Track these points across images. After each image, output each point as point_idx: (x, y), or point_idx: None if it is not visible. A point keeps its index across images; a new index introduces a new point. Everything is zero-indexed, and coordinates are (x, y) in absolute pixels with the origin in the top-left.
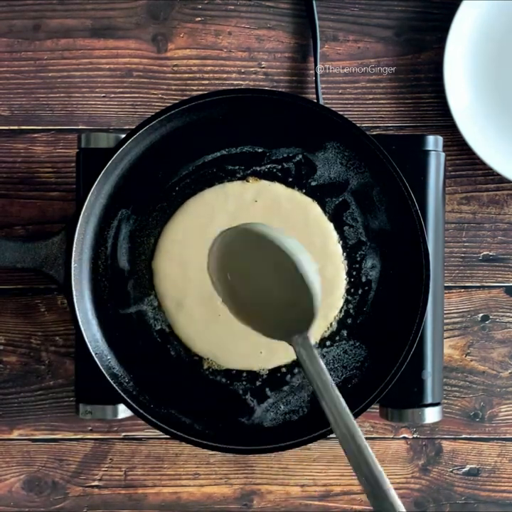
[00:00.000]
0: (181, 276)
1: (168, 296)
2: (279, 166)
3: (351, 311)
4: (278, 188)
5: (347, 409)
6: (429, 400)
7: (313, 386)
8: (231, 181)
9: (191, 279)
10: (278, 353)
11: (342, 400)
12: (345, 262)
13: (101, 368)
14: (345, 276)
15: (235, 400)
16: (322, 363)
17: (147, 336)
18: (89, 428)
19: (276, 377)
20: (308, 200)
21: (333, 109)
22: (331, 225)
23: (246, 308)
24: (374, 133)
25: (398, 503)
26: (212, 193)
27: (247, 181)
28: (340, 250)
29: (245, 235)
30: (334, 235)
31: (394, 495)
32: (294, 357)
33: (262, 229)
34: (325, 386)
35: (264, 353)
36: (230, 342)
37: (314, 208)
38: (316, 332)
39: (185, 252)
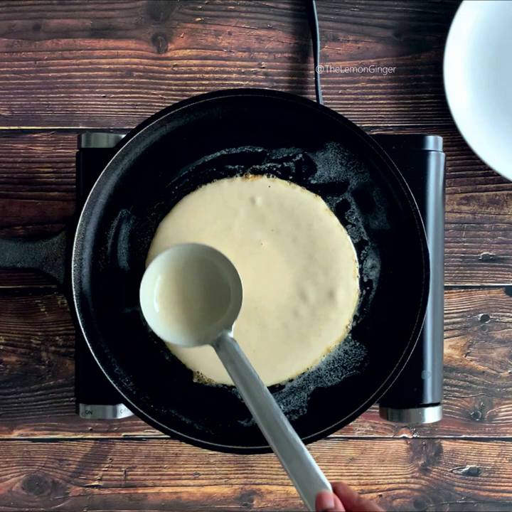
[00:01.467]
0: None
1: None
2: (279, 165)
3: None
4: (279, 184)
5: (274, 404)
6: (429, 400)
7: (237, 383)
8: (231, 178)
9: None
10: (266, 375)
11: (266, 393)
12: (357, 260)
13: (101, 368)
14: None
15: (233, 403)
16: (245, 356)
17: (143, 338)
18: (89, 428)
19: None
20: (311, 195)
21: (333, 109)
22: (336, 220)
23: (169, 320)
24: (374, 133)
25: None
26: (211, 189)
27: (247, 178)
28: (352, 249)
29: (181, 251)
30: (342, 233)
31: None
32: (286, 377)
33: (200, 244)
34: (247, 379)
35: None
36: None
37: (318, 204)
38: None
39: None
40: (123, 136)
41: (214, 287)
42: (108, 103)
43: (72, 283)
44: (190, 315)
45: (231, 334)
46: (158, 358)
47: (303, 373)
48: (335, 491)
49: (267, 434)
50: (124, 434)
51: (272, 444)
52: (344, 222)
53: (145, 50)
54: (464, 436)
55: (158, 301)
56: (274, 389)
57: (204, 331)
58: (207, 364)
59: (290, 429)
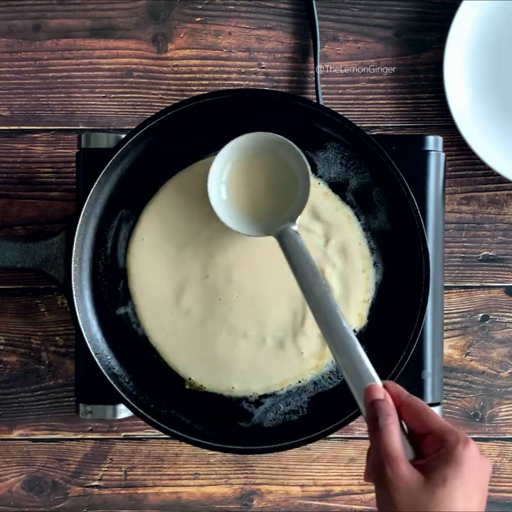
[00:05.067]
0: (154, 270)
1: (138, 298)
2: None
3: None
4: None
5: (331, 299)
6: (429, 400)
7: (296, 276)
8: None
9: (167, 275)
10: (251, 383)
11: (325, 286)
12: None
13: (101, 368)
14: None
15: (231, 406)
16: (307, 250)
17: (136, 341)
18: (89, 428)
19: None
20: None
21: (333, 109)
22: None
23: (235, 208)
24: (374, 133)
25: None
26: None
27: None
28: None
29: (253, 140)
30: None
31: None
32: (286, 384)
33: (269, 133)
34: (306, 271)
35: (236, 387)
36: (208, 364)
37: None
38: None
39: (165, 237)
40: (123, 136)
41: (281, 178)
42: (108, 103)
43: (72, 283)
44: (256, 205)
45: (295, 227)
46: (153, 360)
47: (303, 378)
48: (384, 387)
49: (322, 327)
50: (124, 434)
51: (326, 337)
52: None
53: (145, 50)
54: None
55: (225, 188)
56: (270, 395)
57: (268, 222)
58: (197, 371)
59: (345, 324)
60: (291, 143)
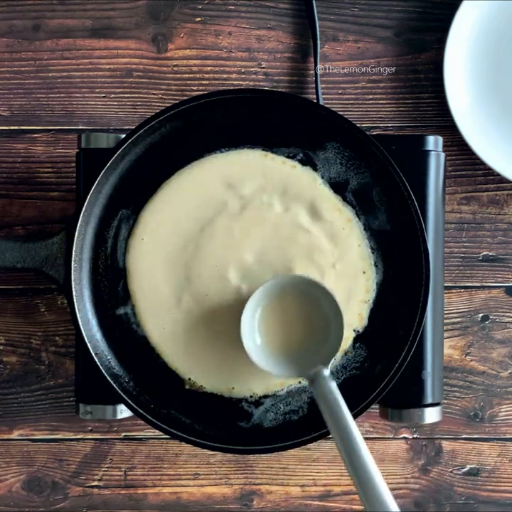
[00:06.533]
0: (154, 270)
1: (138, 298)
2: None
3: None
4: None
5: (363, 450)
6: (429, 400)
7: (328, 423)
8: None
9: (167, 274)
10: (251, 384)
11: (358, 439)
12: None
13: (101, 368)
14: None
15: (231, 406)
16: (340, 396)
17: (136, 341)
18: (89, 428)
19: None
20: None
21: (333, 109)
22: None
23: (269, 351)
24: (374, 133)
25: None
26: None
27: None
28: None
29: (284, 282)
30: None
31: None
32: (286, 384)
33: (301, 275)
34: (339, 423)
35: (236, 388)
36: (209, 364)
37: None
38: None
39: (166, 235)
40: (123, 136)
41: (314, 320)
42: (108, 103)
43: (72, 283)
44: (289, 346)
45: (327, 371)
46: (153, 360)
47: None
48: None
49: (355, 479)
50: (124, 434)
51: (359, 489)
52: None
53: (145, 50)
54: (464, 436)
55: (258, 332)
56: (270, 395)
57: (301, 364)
58: (197, 371)
59: (378, 476)
60: (324, 285)
